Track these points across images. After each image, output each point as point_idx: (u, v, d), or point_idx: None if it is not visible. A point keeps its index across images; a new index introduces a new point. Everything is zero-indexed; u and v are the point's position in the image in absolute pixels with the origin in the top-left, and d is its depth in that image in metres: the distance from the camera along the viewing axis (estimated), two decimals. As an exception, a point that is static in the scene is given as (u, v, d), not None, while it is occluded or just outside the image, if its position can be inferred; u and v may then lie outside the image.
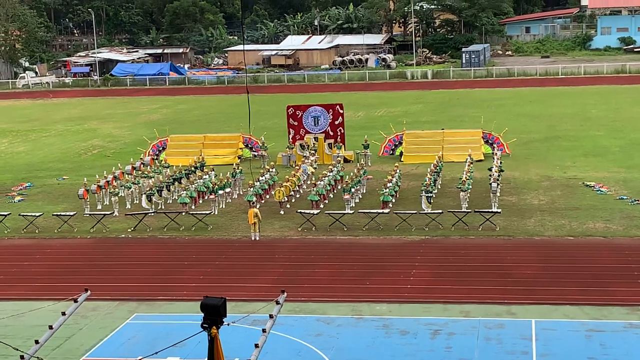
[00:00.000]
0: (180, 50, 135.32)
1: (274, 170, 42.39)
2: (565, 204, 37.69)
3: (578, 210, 36.49)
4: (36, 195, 43.95)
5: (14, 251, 33.96)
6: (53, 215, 37.82)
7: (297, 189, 40.83)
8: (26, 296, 27.68)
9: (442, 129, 52.62)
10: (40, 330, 18.08)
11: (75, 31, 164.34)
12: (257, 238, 33.83)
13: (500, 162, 42.20)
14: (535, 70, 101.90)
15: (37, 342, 15.59)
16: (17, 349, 17.53)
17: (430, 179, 38.24)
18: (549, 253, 30.89)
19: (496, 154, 45.41)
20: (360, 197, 40.00)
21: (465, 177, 38.00)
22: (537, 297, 25.97)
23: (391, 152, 50.72)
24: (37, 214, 37.67)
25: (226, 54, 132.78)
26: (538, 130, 58.47)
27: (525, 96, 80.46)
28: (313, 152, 47.89)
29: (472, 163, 42.54)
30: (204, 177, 41.26)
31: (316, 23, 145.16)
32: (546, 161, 47.83)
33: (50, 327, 15.70)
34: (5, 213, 37.95)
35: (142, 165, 45.83)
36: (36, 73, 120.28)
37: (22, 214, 37.95)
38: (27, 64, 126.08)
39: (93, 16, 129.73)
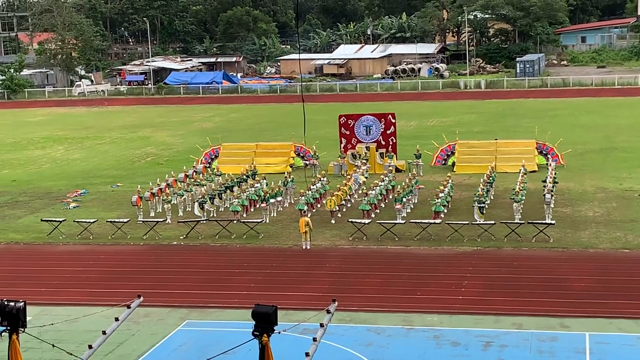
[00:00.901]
0: (233, 59, 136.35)
1: (325, 179, 42.46)
2: (620, 216, 37.14)
3: (634, 223, 35.93)
4: (90, 202, 44.57)
5: (69, 257, 34.47)
6: (107, 221, 38.31)
7: (349, 198, 40.82)
8: (80, 301, 28.04)
9: (496, 139, 52.25)
10: (94, 336, 18.33)
11: (130, 40, 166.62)
12: (308, 247, 33.89)
13: (555, 173, 41.75)
14: (591, 80, 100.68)
15: (90, 347, 15.83)
16: (71, 354, 17.81)
17: (483, 189, 37.98)
18: (604, 266, 30.47)
19: (550, 164, 44.98)
20: (412, 207, 39.85)
21: (519, 188, 37.65)
22: (591, 310, 25.62)
23: (443, 162, 50.50)
24: (92, 220, 38.16)
25: (279, 63, 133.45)
26: (593, 141, 57.75)
27: (581, 107, 79.48)
28: (364, 161, 47.87)
29: (525, 174, 42.17)
30: (256, 185, 41.46)
31: (369, 32, 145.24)
32: (602, 172, 47.20)
33: (104, 333, 15.93)
34: (61, 219, 38.52)
35: (194, 173, 46.23)
36: (92, 81, 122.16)
37: (76, 220, 38.48)
38: (83, 72, 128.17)
39: (148, 25, 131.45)
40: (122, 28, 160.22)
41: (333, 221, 37.79)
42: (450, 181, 40.73)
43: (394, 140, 50.27)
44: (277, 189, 40.38)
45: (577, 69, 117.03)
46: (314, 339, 14.81)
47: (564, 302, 26.40)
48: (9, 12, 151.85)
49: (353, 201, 41.26)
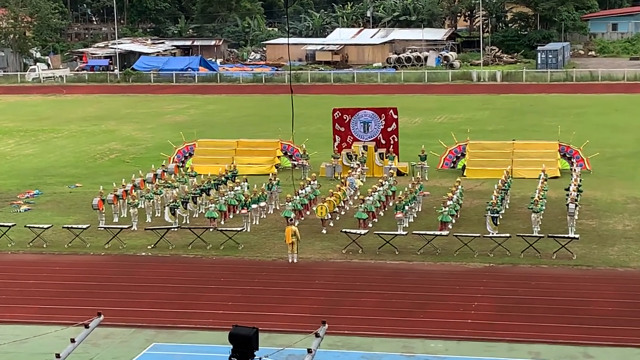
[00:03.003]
0: (212, 43, 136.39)
1: (315, 182, 42.47)
2: (654, 231, 37.34)
3: (670, 238, 36.11)
4: (45, 205, 44.48)
5: (18, 267, 34.35)
6: (63, 227, 38.23)
7: (343, 204, 40.84)
8: (30, 319, 27.97)
9: (513, 140, 52.36)
10: (46, 359, 18.30)
11: (93, 18, 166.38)
12: (295, 260, 33.90)
13: (580, 180, 41.86)
14: (623, 74, 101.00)
15: (42, 372, 15.76)
16: (19, 379, 17.76)
17: (497, 197, 38.05)
18: (634, 287, 30.55)
19: (575, 170, 45.08)
20: (415, 216, 39.92)
21: (538, 197, 37.73)
22: (618, 338, 25.68)
23: (452, 165, 50.55)
24: (46, 226, 38.07)
25: (264, 48, 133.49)
26: (624, 144, 57.93)
27: (611, 104, 79.75)
28: (359, 163, 47.78)
29: (546, 180, 42.27)
30: (236, 188, 41.45)
31: (369, 14, 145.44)
32: (633, 180, 47.36)
33: (57, 356, 15.88)
34: (10, 224, 38.42)
35: (165, 173, 46.20)
36: (48, 65, 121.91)
37: (28, 225, 38.39)
38: (38, 55, 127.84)
39: (114, 2, 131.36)
40: (85, 5, 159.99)
41: (324, 231, 37.81)
42: (459, 187, 40.78)
43: (396, 139, 50.34)
44: (260, 193, 40.36)
45: (607, 60, 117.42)
46: (301, 367, 14.81)
47: (587, 329, 26.46)
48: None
49: (348, 208, 41.28)
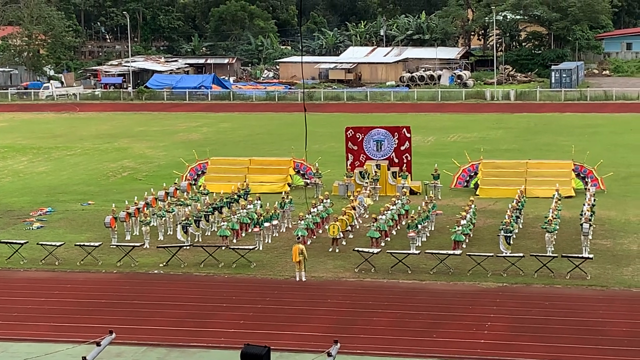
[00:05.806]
0: (226, 61, 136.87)
1: (328, 201, 42.45)
2: (669, 251, 37.18)
3: (685, 259, 35.94)
4: (57, 222, 44.57)
5: (30, 285, 34.40)
6: (75, 245, 38.26)
7: (355, 223, 40.81)
8: (42, 337, 27.98)
9: (529, 160, 52.24)
10: (57, 377, 18.33)
11: (107, 37, 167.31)
12: (303, 278, 33.85)
13: (594, 200, 41.76)
14: (637, 93, 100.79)
15: (53, 389, 15.79)
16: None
17: (511, 216, 37.98)
18: (649, 308, 30.45)
19: (589, 190, 44.99)
20: (428, 235, 39.84)
21: (552, 216, 37.64)
22: (632, 359, 25.53)
23: (465, 184, 50.49)
24: (58, 244, 38.12)
25: (277, 66, 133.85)
26: (639, 164, 57.75)
27: (625, 123, 79.58)
28: (369, 182, 47.53)
29: (560, 200, 42.18)
30: (248, 206, 41.47)
31: (382, 33, 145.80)
32: (648, 200, 47.25)
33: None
34: (22, 241, 38.49)
35: (177, 191, 46.26)
36: (62, 83, 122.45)
37: (40, 242, 38.46)
38: (52, 73, 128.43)
39: (128, 20, 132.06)
40: (99, 23, 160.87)
41: (337, 250, 37.77)
42: (472, 206, 40.72)
43: (409, 158, 50.30)
44: (272, 212, 40.37)
45: (621, 79, 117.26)
46: (312, 386, 14.80)
47: (602, 350, 26.36)
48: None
49: (359, 227, 41.24)
